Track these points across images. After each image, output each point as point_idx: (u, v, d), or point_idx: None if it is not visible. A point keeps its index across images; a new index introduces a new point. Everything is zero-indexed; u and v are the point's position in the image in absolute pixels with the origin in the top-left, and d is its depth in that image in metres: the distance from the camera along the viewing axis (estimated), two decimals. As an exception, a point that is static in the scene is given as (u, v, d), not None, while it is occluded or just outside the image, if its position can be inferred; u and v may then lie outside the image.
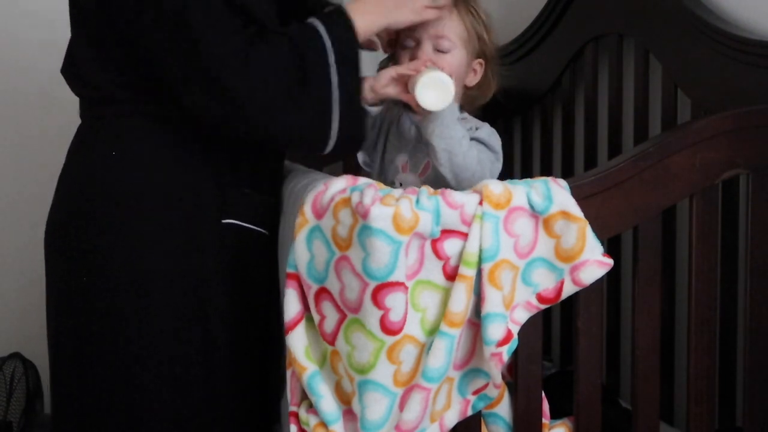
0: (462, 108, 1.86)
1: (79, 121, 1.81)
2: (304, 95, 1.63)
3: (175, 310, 1.70)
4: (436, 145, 1.71)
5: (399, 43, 1.85)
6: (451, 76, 1.72)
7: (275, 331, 1.81)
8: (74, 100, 1.82)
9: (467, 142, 1.71)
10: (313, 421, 1.57)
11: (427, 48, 1.81)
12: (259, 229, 1.77)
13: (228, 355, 1.75)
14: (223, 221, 1.73)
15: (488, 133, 1.79)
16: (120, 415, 1.71)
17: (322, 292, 1.54)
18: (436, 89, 1.67)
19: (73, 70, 1.78)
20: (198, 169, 1.71)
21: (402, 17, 1.73)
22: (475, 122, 1.83)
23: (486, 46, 1.85)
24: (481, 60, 1.85)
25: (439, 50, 1.80)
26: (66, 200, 1.77)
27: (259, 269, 1.80)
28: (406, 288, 1.46)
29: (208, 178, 1.72)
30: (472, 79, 1.85)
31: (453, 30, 1.80)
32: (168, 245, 1.70)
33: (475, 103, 1.90)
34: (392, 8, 1.73)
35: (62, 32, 1.80)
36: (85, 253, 1.72)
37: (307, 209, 1.55)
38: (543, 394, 1.58)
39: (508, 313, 1.49)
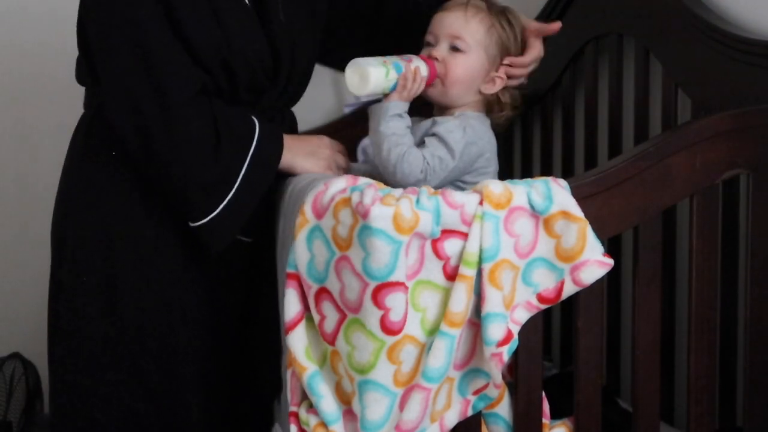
0: (461, 108, 1.85)
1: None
2: (218, 153, 1.68)
3: (140, 307, 1.74)
4: (370, 137, 1.76)
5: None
6: (452, 77, 1.78)
7: (257, 334, 1.83)
8: (73, 98, 1.83)
9: (397, 140, 1.72)
10: (313, 421, 1.57)
11: (443, 46, 1.82)
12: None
13: (190, 355, 1.77)
14: (192, 225, 1.72)
15: (449, 128, 1.76)
16: (84, 411, 1.76)
17: (323, 292, 1.54)
18: (359, 76, 1.74)
19: (77, 64, 1.83)
20: None
21: (308, 165, 1.81)
22: (462, 118, 1.81)
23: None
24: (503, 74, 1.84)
25: (454, 49, 1.82)
26: (61, 195, 1.80)
27: (235, 274, 1.82)
28: (406, 288, 1.46)
29: None
30: (489, 88, 1.84)
31: (471, 33, 1.82)
32: (136, 242, 1.73)
33: (494, 112, 1.86)
34: (304, 155, 1.81)
35: (62, 29, 1.80)
36: (70, 247, 1.76)
37: (308, 209, 1.55)
38: (543, 394, 1.59)
39: (509, 313, 1.49)
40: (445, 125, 1.77)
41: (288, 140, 1.79)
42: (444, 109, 1.86)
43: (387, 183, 1.66)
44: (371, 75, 1.72)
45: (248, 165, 1.70)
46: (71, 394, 1.77)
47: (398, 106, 1.75)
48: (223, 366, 1.82)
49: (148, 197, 1.73)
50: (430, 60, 1.81)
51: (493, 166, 1.82)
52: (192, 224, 1.69)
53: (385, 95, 1.77)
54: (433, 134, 1.77)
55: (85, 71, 1.78)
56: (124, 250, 1.73)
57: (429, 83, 1.81)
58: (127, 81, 1.65)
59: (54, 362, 1.80)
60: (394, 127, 1.73)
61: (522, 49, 1.87)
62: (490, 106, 1.87)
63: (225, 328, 1.82)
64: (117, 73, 1.66)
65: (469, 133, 1.77)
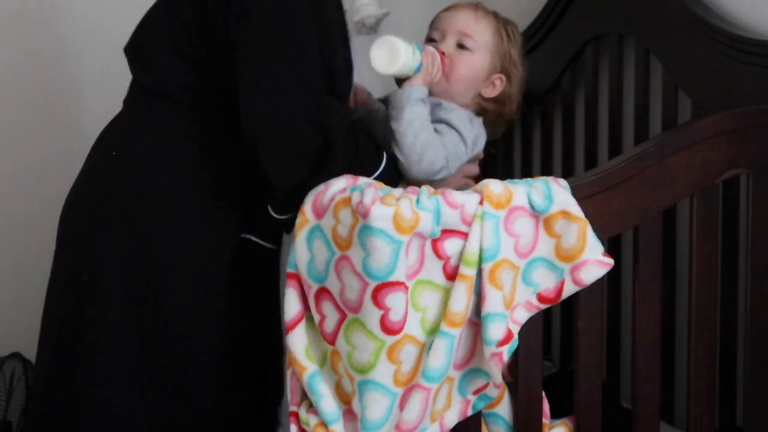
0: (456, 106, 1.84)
1: (93, 115, 1.78)
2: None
3: (183, 316, 1.69)
4: (391, 126, 1.72)
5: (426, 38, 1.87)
6: (458, 74, 1.80)
7: (277, 339, 1.81)
8: (74, 99, 1.82)
9: (421, 125, 1.70)
10: (313, 420, 1.57)
11: (450, 42, 1.82)
12: (270, 245, 1.76)
13: (222, 364, 1.73)
14: (242, 236, 1.71)
15: (460, 116, 1.77)
16: (92, 427, 1.71)
17: (323, 292, 1.54)
18: (388, 52, 1.71)
19: (140, 53, 1.76)
20: (231, 185, 1.70)
21: None
22: (463, 112, 1.81)
23: (512, 68, 1.86)
24: (502, 76, 1.85)
25: (461, 47, 1.82)
26: (99, 184, 1.74)
27: (267, 283, 1.80)
28: (407, 288, 1.46)
29: (239, 194, 1.71)
30: (489, 91, 1.85)
31: (480, 33, 1.83)
32: (182, 249, 1.68)
33: (490, 117, 1.87)
34: None
35: (65, 26, 1.79)
36: (103, 240, 1.70)
37: (308, 209, 1.55)
38: (543, 394, 1.59)
39: (509, 313, 1.49)
40: (456, 113, 1.77)
41: None
42: None
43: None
44: (401, 51, 1.70)
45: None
46: (82, 407, 1.70)
47: (421, 90, 1.74)
48: (242, 369, 1.80)
49: (201, 207, 1.69)
50: (440, 52, 1.81)
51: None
52: (278, 216, 1.67)
53: (406, 78, 1.74)
54: (443, 121, 1.76)
55: (162, 72, 1.71)
56: (168, 254, 1.68)
57: None
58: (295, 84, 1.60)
59: (60, 371, 1.73)
60: (418, 113, 1.71)
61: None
62: (486, 112, 1.87)
63: (254, 337, 1.78)
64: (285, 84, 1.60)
65: (476, 126, 1.79)
